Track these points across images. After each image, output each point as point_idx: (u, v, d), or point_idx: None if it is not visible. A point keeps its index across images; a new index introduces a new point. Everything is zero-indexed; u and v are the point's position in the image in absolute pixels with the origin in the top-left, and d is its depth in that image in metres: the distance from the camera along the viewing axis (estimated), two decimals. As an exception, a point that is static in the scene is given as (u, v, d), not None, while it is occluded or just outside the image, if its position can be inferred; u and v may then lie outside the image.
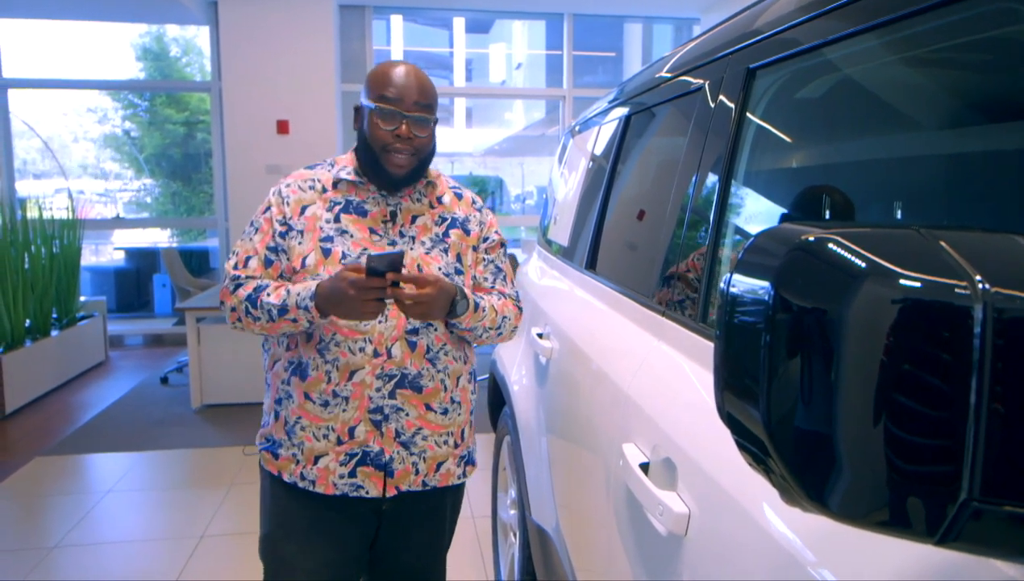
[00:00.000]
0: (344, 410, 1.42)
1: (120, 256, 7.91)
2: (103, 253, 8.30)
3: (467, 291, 1.43)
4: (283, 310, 1.35)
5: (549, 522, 1.65)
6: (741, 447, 0.45)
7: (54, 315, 5.27)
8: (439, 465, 1.51)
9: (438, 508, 1.59)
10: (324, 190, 1.46)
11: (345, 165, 1.48)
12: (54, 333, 5.05)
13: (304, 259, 1.41)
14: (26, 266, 4.83)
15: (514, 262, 6.00)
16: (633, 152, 1.63)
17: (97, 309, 5.85)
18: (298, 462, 1.44)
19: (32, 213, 5.07)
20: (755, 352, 0.42)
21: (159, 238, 8.03)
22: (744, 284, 0.45)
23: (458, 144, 8.82)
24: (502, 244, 1.61)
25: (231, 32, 5.71)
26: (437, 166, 1.56)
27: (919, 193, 0.73)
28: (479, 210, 1.59)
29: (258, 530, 1.54)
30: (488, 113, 9.58)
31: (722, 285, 0.47)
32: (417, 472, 1.47)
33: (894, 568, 0.56)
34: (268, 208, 1.46)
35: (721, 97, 1.10)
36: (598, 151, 1.94)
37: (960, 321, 0.34)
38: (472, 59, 8.83)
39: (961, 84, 0.69)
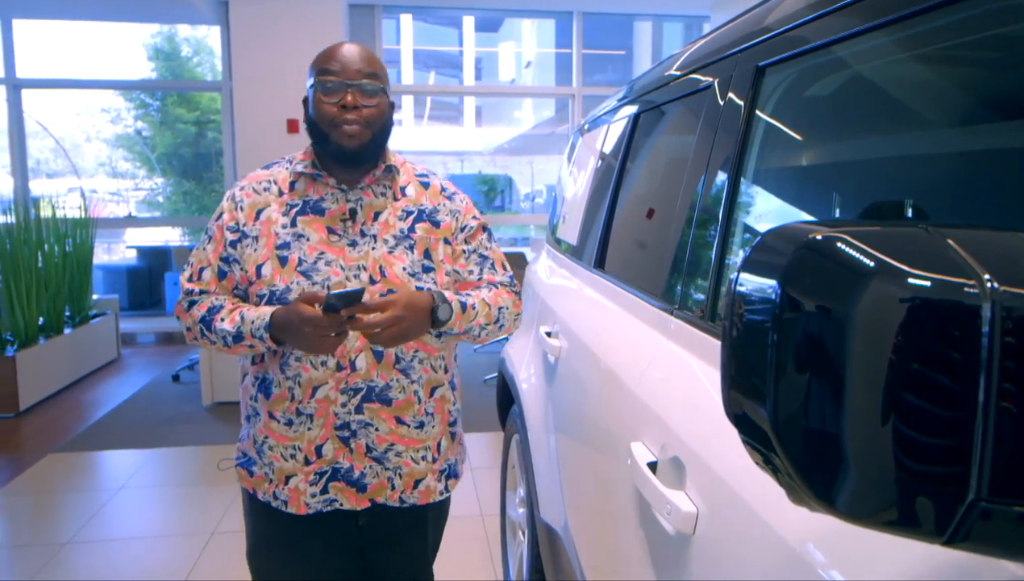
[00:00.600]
0: (309, 428, 1.35)
1: (132, 255, 7.97)
2: (115, 252, 8.37)
3: (447, 294, 1.34)
4: (238, 337, 1.29)
5: (558, 521, 1.65)
6: (748, 446, 0.45)
7: (67, 313, 5.31)
8: (417, 483, 1.43)
9: (419, 524, 1.51)
10: (280, 193, 1.38)
11: (302, 159, 1.40)
12: (67, 331, 5.10)
13: (259, 268, 1.33)
14: (39, 264, 4.88)
15: (523, 261, 6.00)
16: (642, 150, 1.63)
17: (109, 307, 5.90)
18: (271, 481, 1.39)
19: (45, 212, 5.11)
20: (762, 351, 0.42)
21: (171, 237, 8.09)
22: (751, 283, 0.44)
23: (467, 143, 8.82)
24: (484, 228, 1.50)
25: (241, 32, 5.74)
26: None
27: (928, 191, 0.72)
28: (449, 198, 1.46)
29: None
30: (497, 112, 9.59)
31: (729, 284, 0.47)
32: (393, 487, 1.40)
33: (901, 568, 0.55)
34: (220, 215, 1.38)
35: (730, 95, 1.10)
36: (607, 149, 1.94)
37: (968, 320, 0.34)
38: (481, 58, 8.84)
39: (971, 81, 0.68)
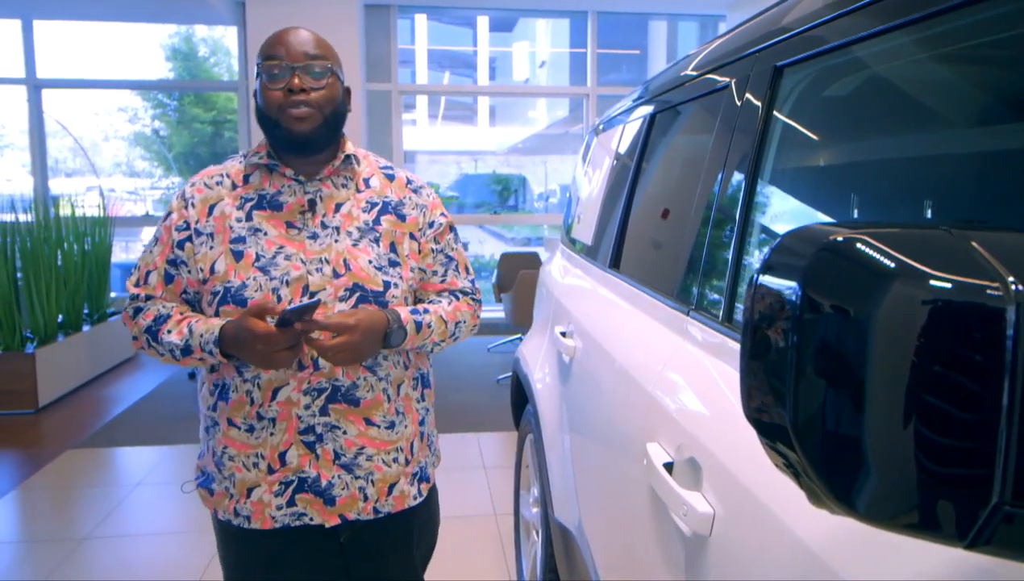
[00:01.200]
0: (272, 433, 1.27)
1: (149, 253, 8.03)
2: (133, 250, 8.45)
3: (404, 313, 1.28)
4: (187, 351, 1.23)
5: (572, 521, 1.65)
6: (767, 448, 0.45)
7: (86, 311, 5.37)
8: (391, 487, 1.34)
9: (404, 536, 1.41)
10: (234, 186, 1.31)
11: (257, 151, 1.33)
12: (86, 328, 5.15)
13: (213, 265, 1.26)
14: (59, 263, 4.93)
15: (536, 261, 5.99)
16: (658, 151, 1.62)
17: (127, 305, 5.95)
18: (231, 496, 1.29)
19: (64, 211, 5.18)
20: (782, 352, 0.42)
21: (187, 236, 8.13)
22: (771, 284, 0.44)
23: (481, 142, 8.83)
24: (451, 227, 1.44)
25: (258, 32, 5.78)
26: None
27: (949, 192, 0.72)
28: (415, 191, 1.39)
29: None
30: (511, 111, 9.59)
31: (749, 285, 0.47)
32: (366, 498, 1.31)
33: (921, 571, 0.55)
34: (169, 214, 1.31)
35: (747, 95, 1.09)
36: (622, 149, 1.94)
37: (992, 323, 0.34)
38: (496, 57, 8.84)
39: (991, 81, 0.67)
